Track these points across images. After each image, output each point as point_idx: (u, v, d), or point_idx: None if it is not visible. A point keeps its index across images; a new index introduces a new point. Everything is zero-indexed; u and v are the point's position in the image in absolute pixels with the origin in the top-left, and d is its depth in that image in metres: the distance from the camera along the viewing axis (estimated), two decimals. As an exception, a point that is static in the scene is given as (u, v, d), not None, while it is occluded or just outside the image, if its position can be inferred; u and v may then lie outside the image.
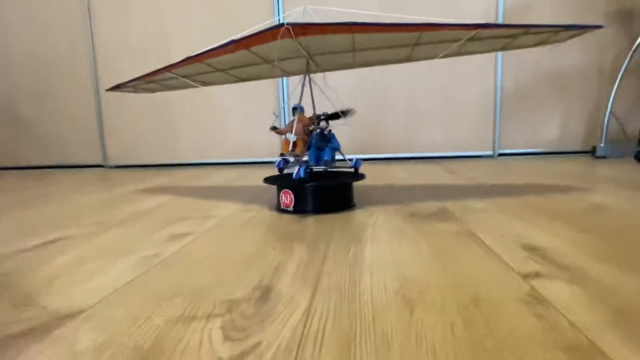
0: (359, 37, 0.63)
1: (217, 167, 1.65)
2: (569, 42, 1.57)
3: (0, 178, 1.47)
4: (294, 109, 0.70)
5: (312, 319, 0.30)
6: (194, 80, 0.79)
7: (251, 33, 0.56)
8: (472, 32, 0.64)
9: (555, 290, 0.34)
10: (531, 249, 0.45)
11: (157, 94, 1.71)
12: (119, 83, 0.79)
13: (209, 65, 0.68)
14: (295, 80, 1.55)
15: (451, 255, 0.44)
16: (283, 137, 0.70)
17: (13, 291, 0.38)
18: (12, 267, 0.45)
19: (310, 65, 0.73)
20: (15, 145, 1.85)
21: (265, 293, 0.35)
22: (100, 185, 1.17)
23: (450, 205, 0.71)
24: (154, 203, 0.84)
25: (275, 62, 0.70)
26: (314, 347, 0.26)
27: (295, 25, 0.53)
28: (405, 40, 0.69)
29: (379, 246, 0.48)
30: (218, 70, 0.73)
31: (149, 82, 0.77)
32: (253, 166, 1.64)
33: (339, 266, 0.41)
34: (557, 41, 0.85)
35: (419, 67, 1.61)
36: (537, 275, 0.37)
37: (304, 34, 0.57)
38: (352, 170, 0.76)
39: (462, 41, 0.68)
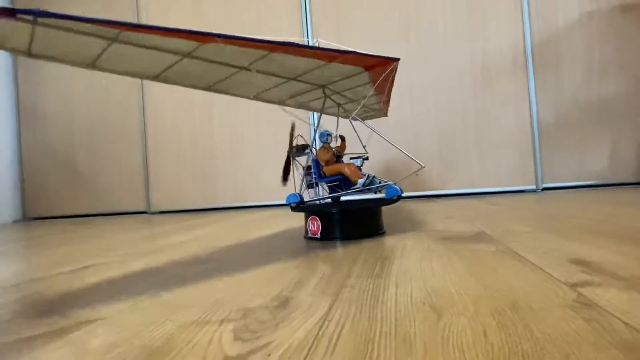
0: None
1: (255, 209, 1.67)
2: (605, 69, 1.52)
3: (52, 224, 1.57)
4: (327, 135, 0.70)
5: (329, 322, 0.28)
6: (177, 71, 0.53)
7: (366, 53, 0.53)
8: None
9: (608, 296, 0.30)
10: (580, 262, 0.40)
11: (200, 142, 1.81)
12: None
13: (232, 54, 0.48)
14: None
15: (487, 269, 0.40)
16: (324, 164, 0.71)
17: (41, 303, 0.39)
18: (45, 286, 0.46)
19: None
20: (69, 195, 1.99)
21: (283, 302, 0.33)
22: (141, 227, 1.21)
23: (489, 230, 0.66)
24: (186, 237, 0.85)
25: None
26: (327, 347, 0.24)
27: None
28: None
29: (407, 263, 0.45)
30: (229, 65, 0.53)
31: (119, 41, 0.41)
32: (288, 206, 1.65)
33: (363, 280, 0.39)
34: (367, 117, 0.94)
35: (449, 104, 1.61)
36: (586, 283, 0.33)
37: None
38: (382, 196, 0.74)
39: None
